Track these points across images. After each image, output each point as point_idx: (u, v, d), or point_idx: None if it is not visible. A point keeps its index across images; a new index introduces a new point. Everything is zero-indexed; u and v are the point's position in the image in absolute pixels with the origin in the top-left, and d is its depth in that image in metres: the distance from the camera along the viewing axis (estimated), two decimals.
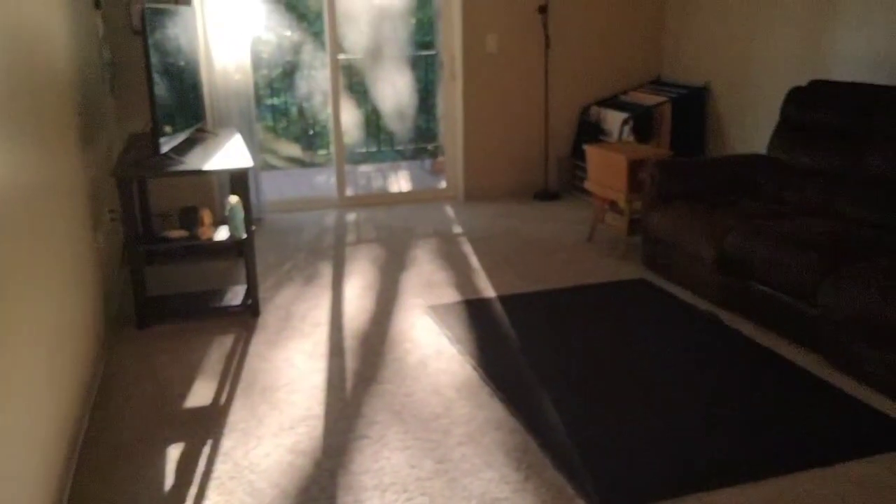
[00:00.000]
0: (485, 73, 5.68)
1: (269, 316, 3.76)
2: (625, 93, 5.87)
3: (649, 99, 5.53)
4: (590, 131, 5.75)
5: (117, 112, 4.74)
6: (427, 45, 7.13)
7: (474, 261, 4.51)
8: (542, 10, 5.57)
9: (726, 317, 3.61)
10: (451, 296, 3.97)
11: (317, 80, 7.11)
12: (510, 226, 5.24)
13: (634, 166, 4.29)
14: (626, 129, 5.34)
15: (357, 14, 6.72)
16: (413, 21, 7.07)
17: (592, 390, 2.95)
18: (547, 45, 5.68)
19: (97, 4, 4.30)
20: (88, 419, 2.81)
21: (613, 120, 5.51)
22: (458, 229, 5.20)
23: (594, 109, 5.81)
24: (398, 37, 7.05)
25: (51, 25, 2.90)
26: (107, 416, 2.85)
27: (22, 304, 2.06)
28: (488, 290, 4.03)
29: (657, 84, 5.86)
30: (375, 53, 7.03)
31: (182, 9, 4.11)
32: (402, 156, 7.60)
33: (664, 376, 3.05)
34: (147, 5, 3.47)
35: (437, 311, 3.75)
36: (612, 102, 5.76)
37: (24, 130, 2.27)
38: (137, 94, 4.43)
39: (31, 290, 2.17)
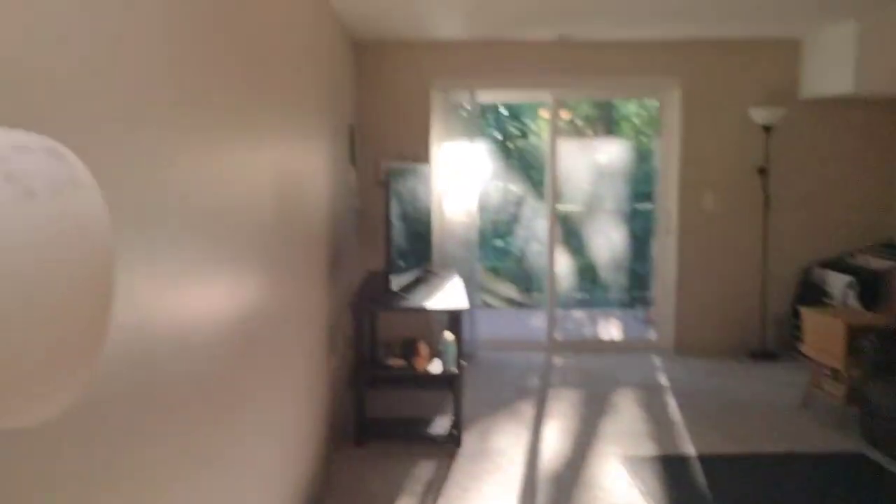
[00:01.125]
0: (700, 228, 5.77)
1: (471, 447, 3.99)
2: (852, 255, 5.65)
3: (878, 263, 5.28)
4: (812, 293, 5.56)
5: (359, 251, 5.40)
6: (644, 197, 7.37)
7: (677, 415, 4.48)
8: (762, 171, 5.62)
9: None
10: (648, 448, 3.97)
11: (536, 226, 7.56)
12: (719, 383, 5.13)
13: (853, 332, 4.11)
14: (851, 293, 5.12)
15: (578, 168, 7.16)
16: (631, 176, 7.38)
17: None
18: (766, 205, 5.68)
19: (353, 161, 5.05)
20: None
21: (837, 283, 5.31)
22: (664, 381, 5.18)
23: (817, 270, 5.64)
24: (616, 191, 7.39)
25: (316, 175, 3.52)
26: None
27: (266, 411, 2.47)
28: (688, 447, 3.98)
29: (889, 247, 5.58)
30: (593, 205, 7.40)
31: (420, 166, 4.72)
32: (613, 304, 7.74)
33: None
34: (392, 164, 4.06)
35: (632, 461, 3.78)
36: (837, 264, 5.56)
37: (285, 262, 2.78)
38: (377, 236, 5.06)
39: (275, 398, 2.60)
